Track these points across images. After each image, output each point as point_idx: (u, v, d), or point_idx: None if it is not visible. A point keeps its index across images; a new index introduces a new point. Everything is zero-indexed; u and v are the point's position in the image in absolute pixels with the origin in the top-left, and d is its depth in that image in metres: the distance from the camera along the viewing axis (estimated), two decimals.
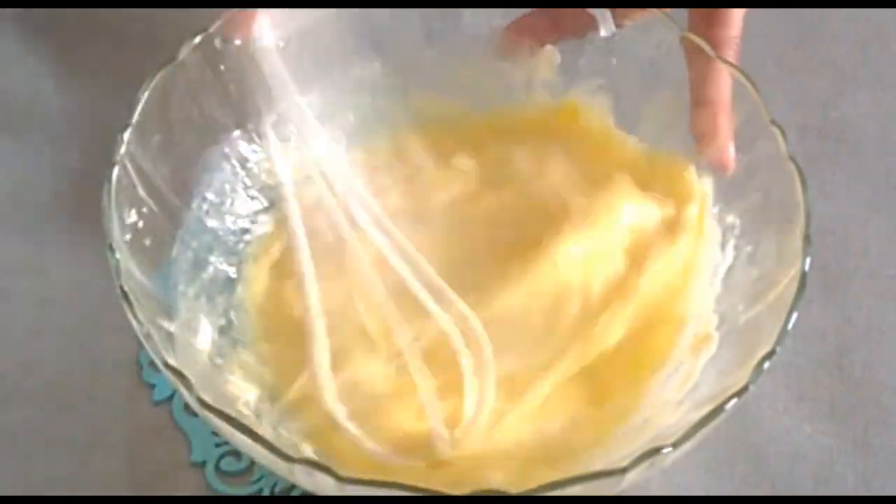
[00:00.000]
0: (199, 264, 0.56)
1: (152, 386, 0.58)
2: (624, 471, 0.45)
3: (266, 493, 0.55)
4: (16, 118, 0.66)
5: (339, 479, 0.43)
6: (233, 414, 0.45)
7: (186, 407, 0.57)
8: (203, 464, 0.56)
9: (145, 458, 0.56)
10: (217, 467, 0.55)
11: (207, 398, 0.46)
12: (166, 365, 0.46)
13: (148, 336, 0.47)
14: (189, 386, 0.46)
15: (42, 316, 0.60)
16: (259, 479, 0.55)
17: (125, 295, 0.48)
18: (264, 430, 0.50)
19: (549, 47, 0.61)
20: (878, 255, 0.62)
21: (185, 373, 0.46)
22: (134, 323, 0.48)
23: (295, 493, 0.55)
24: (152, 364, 0.57)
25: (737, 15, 0.56)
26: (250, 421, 0.50)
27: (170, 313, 0.52)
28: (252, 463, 0.55)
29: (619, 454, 0.49)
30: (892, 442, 0.57)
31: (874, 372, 0.58)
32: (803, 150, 0.54)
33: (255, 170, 0.60)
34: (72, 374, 0.58)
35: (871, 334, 0.60)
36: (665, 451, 0.45)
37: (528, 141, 0.61)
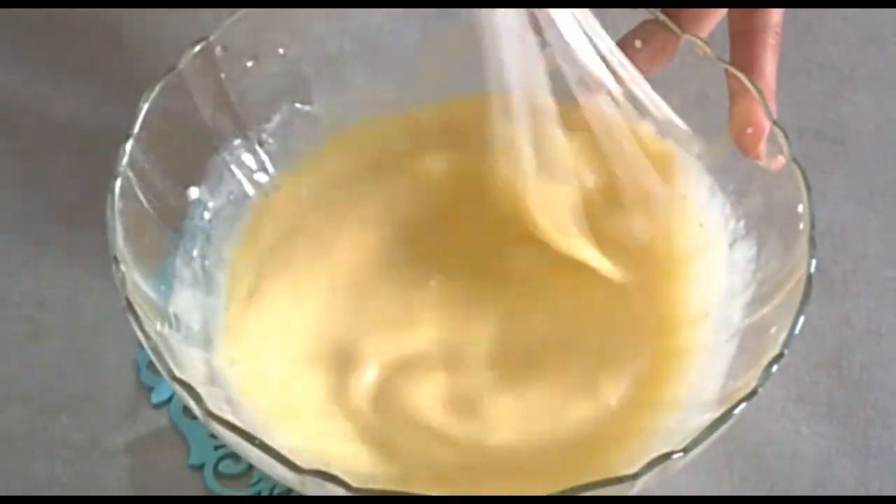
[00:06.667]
0: (201, 274, 0.56)
1: (150, 388, 0.57)
2: (635, 476, 0.45)
3: (265, 495, 0.55)
4: (14, 120, 0.66)
5: (350, 488, 0.43)
6: (242, 425, 0.45)
7: (185, 409, 0.56)
8: (201, 466, 0.55)
9: (143, 460, 0.56)
10: (215, 470, 0.55)
11: (215, 409, 0.45)
12: (174, 377, 0.46)
13: (156, 349, 0.47)
14: (198, 398, 0.45)
15: (40, 318, 0.59)
16: (257, 482, 0.55)
17: (132, 308, 0.47)
18: None
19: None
20: (877, 257, 0.62)
21: (194, 385, 0.46)
22: (141, 337, 0.47)
23: (293, 494, 0.55)
24: (150, 366, 0.57)
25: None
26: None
27: (175, 325, 0.52)
28: (250, 465, 0.55)
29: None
30: (890, 443, 0.57)
31: (873, 373, 0.59)
32: (801, 151, 0.53)
33: (256, 178, 0.59)
34: (69, 376, 0.58)
35: (870, 336, 0.60)
36: (676, 456, 0.45)
37: None
